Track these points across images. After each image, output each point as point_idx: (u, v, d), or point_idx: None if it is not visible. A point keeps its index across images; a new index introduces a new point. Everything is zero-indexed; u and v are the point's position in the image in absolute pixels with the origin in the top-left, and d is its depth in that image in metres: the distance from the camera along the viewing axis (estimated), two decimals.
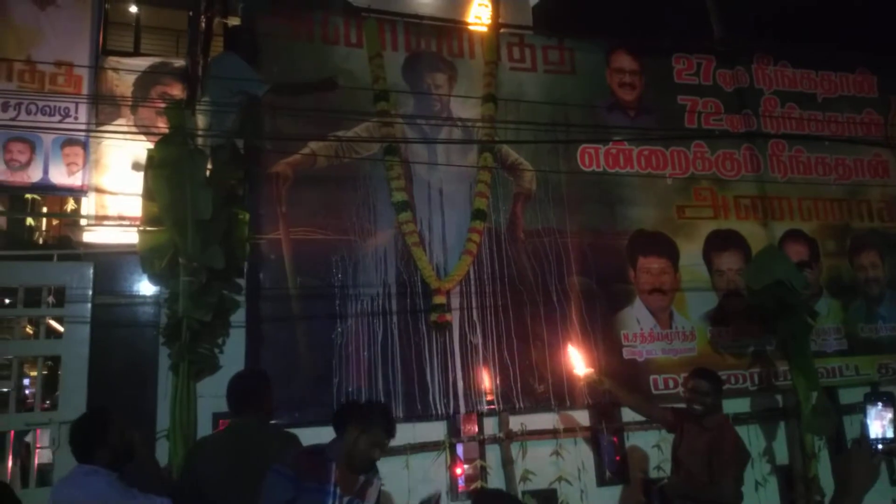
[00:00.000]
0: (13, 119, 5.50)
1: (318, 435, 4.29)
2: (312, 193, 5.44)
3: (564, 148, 6.22)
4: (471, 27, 6.92)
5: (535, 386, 5.51)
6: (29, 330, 5.73)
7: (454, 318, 5.48)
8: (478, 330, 5.54)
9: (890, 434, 1.85)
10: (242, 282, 4.95)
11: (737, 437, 4.16)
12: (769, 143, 6.89)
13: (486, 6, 8.51)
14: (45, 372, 5.19)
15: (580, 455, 5.48)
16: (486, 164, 5.88)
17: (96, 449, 3.04)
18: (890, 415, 1.86)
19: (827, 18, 7.47)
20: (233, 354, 4.65)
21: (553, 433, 5.39)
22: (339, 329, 5.16)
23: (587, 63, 6.66)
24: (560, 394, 5.54)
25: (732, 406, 5.97)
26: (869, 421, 1.89)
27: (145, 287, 5.03)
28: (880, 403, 1.87)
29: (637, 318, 6.02)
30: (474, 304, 5.61)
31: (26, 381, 5.99)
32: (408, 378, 5.22)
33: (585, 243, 6.04)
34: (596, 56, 6.72)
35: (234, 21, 6.38)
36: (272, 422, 3.87)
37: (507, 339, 5.60)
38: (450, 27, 6.61)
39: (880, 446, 1.85)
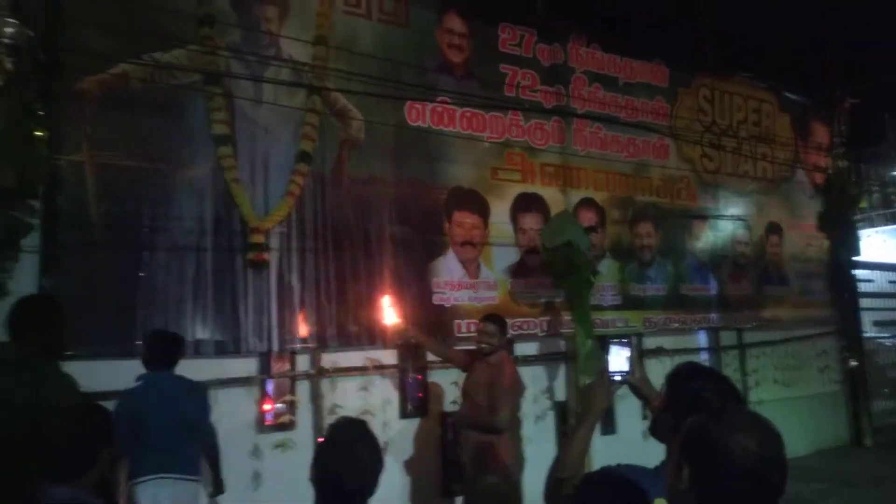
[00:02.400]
0: None
1: (118, 368, 4.21)
2: (122, 117, 5.09)
3: (393, 101, 6.38)
4: None
5: (348, 326, 5.75)
6: None
7: (272, 258, 5.50)
8: (295, 271, 5.62)
9: (625, 368, 2.34)
10: (37, 204, 4.55)
11: (514, 371, 4.75)
12: (574, 119, 7.62)
13: None
14: None
15: (386, 391, 5.86)
16: (314, 107, 5.89)
17: None
18: (626, 353, 2.36)
19: (640, 9, 8.34)
20: (24, 282, 4.31)
21: (362, 370, 5.69)
22: (146, 261, 4.96)
23: (421, 19, 6.82)
24: (371, 334, 5.84)
25: (523, 349, 6.72)
26: (610, 357, 2.37)
27: None
28: (619, 346, 2.37)
29: (448, 268, 6.47)
30: (293, 246, 5.66)
31: None
32: (219, 315, 5.18)
33: (406, 194, 6.31)
34: (429, 13, 6.90)
35: None
36: (66, 354, 3.71)
37: (324, 281, 5.75)
38: None
39: (618, 378, 2.33)
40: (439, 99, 6.69)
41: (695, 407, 1.74)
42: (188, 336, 4.86)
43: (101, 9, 5.04)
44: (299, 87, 5.89)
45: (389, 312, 5.52)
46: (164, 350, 4.13)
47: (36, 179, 4.57)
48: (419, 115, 6.56)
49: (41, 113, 4.70)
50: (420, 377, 6.02)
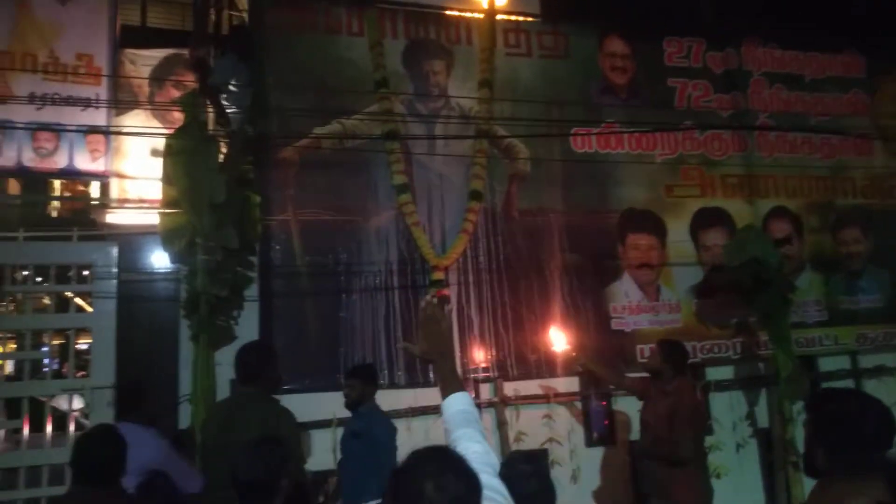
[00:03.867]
0: (38, 109, 5.88)
1: (324, 400, 4.77)
2: (318, 177, 5.82)
3: (558, 130, 6.52)
4: (468, 15, 7.17)
5: (527, 355, 5.91)
6: (46, 301, 6.06)
7: (452, 292, 5.87)
8: (474, 304, 5.94)
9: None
10: (255, 259, 5.34)
11: (694, 398, 4.55)
12: (756, 124, 7.16)
13: None
14: (62, 342, 5.61)
15: (570, 419, 5.90)
16: (482, 147, 6.22)
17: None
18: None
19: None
20: (247, 326, 5.06)
21: (545, 398, 5.80)
22: (345, 303, 5.57)
23: (581, 47, 6.94)
24: (551, 362, 5.94)
25: (716, 374, 6.38)
26: None
27: (167, 265, 5.42)
28: None
29: (625, 292, 6.39)
30: (471, 280, 5.99)
31: (44, 349, 6.38)
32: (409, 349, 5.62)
33: (577, 221, 6.38)
34: (589, 40, 6.99)
35: (240, 6, 6.72)
36: (283, 389, 4.29)
37: (501, 312, 5.99)
38: (448, 15, 6.89)
39: None
40: (605, 123, 6.70)
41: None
42: (384, 369, 5.35)
43: (294, 87, 5.83)
44: (468, 134, 6.26)
45: (566, 340, 5.59)
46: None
47: (253, 238, 5.36)
48: (585, 141, 6.62)
49: (253, 180, 5.53)
50: (604, 404, 5.97)
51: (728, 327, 6.58)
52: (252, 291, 5.24)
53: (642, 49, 7.09)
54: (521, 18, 7.07)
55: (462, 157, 6.19)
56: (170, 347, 5.19)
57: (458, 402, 2.06)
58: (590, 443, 5.90)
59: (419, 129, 6.27)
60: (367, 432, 4.14)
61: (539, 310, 6.06)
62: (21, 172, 5.93)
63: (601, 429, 5.94)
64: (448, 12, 7.01)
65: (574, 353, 5.53)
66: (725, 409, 6.26)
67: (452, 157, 6.17)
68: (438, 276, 5.78)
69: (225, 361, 4.79)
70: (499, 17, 6.82)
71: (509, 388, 5.77)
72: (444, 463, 1.56)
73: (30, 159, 5.81)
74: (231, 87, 5.49)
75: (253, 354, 3.94)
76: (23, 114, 5.69)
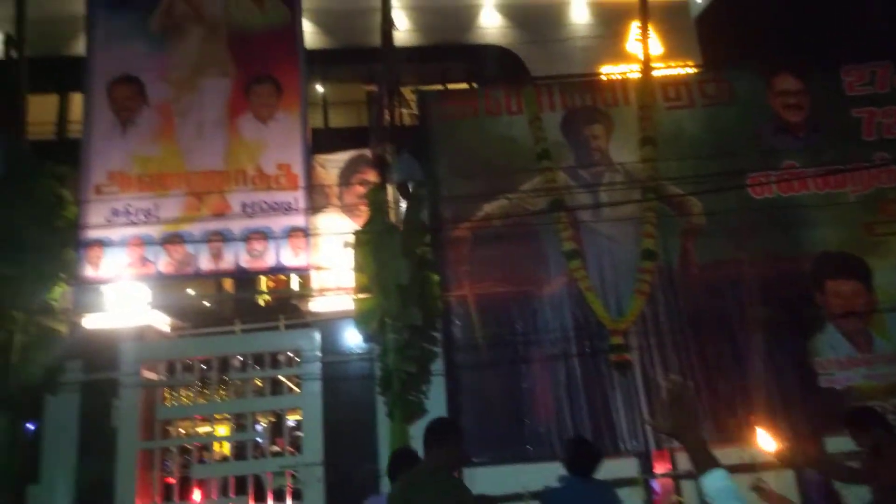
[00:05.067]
0: (249, 217, 6.82)
1: (513, 472, 4.83)
2: (490, 252, 6.09)
3: (732, 180, 6.25)
4: (624, 76, 7.27)
5: (725, 419, 5.56)
6: (259, 384, 6.85)
7: (634, 356, 5.74)
8: (659, 366, 5.75)
9: None
10: (438, 335, 5.67)
11: None
12: None
13: (641, 41, 8.80)
14: (273, 420, 6.26)
15: (784, 489, 5.37)
16: (651, 205, 6.15)
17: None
18: None
19: None
20: (436, 400, 5.35)
21: (750, 467, 5.37)
22: (525, 373, 5.68)
23: (747, 90, 6.70)
24: (752, 427, 5.51)
25: None
26: None
27: (361, 345, 5.93)
28: None
29: (831, 344, 5.83)
30: (653, 342, 5.83)
31: (259, 428, 7.13)
32: (594, 417, 5.57)
33: (764, 271, 6.00)
34: (756, 82, 6.73)
35: (410, 103, 7.39)
36: (471, 462, 4.42)
37: (690, 374, 5.72)
38: (603, 80, 7.04)
39: None
40: (784, 165, 6.33)
41: None
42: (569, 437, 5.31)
43: (462, 170, 6.23)
44: (634, 197, 6.22)
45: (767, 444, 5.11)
46: (588, 458, 4.42)
47: (435, 315, 5.72)
48: (764, 186, 6.28)
49: (431, 261, 5.94)
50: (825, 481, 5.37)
51: None
52: (437, 366, 5.54)
53: (817, 82, 6.67)
54: (679, 71, 7.03)
55: (631, 219, 6.15)
56: (368, 423, 5.61)
57: (719, 479, 2.08)
58: None
59: (584, 195, 6.36)
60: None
61: (733, 370, 5.72)
62: (239, 273, 6.87)
63: (821, 501, 5.34)
64: (603, 76, 7.18)
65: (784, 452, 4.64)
66: None
67: (620, 219, 6.15)
68: (617, 340, 5.71)
69: (419, 435, 5.09)
70: (656, 72, 6.82)
71: None
72: None
73: (245, 261, 6.72)
74: (409, 184, 6.01)
75: (439, 427, 4.10)
76: (237, 223, 6.64)
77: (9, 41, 6.48)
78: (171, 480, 6.19)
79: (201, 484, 6.23)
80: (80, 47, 7.64)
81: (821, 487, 5.37)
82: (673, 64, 7.31)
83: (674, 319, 5.89)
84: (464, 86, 10.21)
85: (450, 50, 11.29)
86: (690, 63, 7.28)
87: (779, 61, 6.81)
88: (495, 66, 7.98)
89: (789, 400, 5.52)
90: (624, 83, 6.82)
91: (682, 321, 5.89)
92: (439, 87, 10.80)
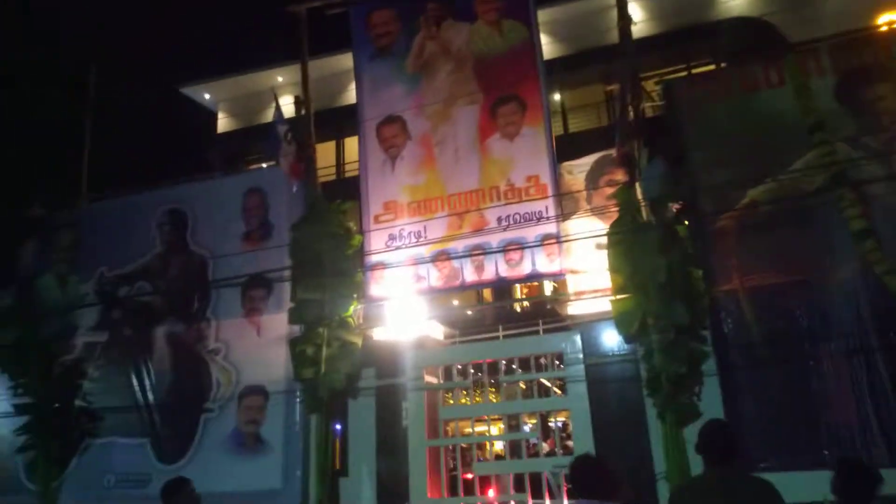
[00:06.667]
0: (505, 229, 7.15)
1: (805, 479, 4.36)
2: (761, 240, 5.61)
3: None
4: None
5: None
6: (522, 386, 7.08)
7: None
8: None
9: None
10: (707, 333, 5.36)
11: None
12: None
13: None
14: (541, 422, 6.41)
15: None
16: None
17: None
18: None
19: None
20: (710, 402, 5.05)
21: None
22: (815, 371, 5.10)
23: None
24: None
25: None
26: None
27: (624, 347, 5.86)
28: None
29: None
30: None
31: (527, 428, 7.33)
32: None
33: None
34: None
35: (653, 95, 7.13)
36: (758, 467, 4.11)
37: None
38: (885, 31, 6.10)
39: None
40: None
41: None
42: (876, 443, 4.65)
43: (721, 155, 5.84)
44: None
45: None
46: (865, 488, 3.82)
47: (702, 312, 5.41)
48: None
49: (693, 255, 5.63)
50: None
51: None
52: (709, 366, 5.24)
53: None
54: None
55: None
56: (638, 425, 5.51)
57: None
58: None
59: (873, 166, 5.54)
60: None
61: None
62: (499, 282, 7.24)
63: None
64: (882, 28, 6.23)
65: None
66: None
67: None
68: None
69: (693, 440, 4.86)
70: None
71: None
72: None
73: (504, 270, 7.06)
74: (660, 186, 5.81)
75: (721, 433, 3.88)
76: (495, 236, 7.02)
77: (297, 102, 7.72)
78: (468, 476, 6.70)
79: (482, 481, 6.65)
80: (350, 97, 8.79)
81: None
82: None
83: None
84: (711, 68, 9.52)
85: (691, 31, 10.56)
86: None
87: None
88: (745, 39, 7.29)
89: None
90: None
91: None
92: (683, 73, 10.24)
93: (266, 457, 6.77)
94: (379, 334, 6.97)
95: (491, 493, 6.70)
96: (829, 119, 5.68)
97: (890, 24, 6.04)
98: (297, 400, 6.57)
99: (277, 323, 6.94)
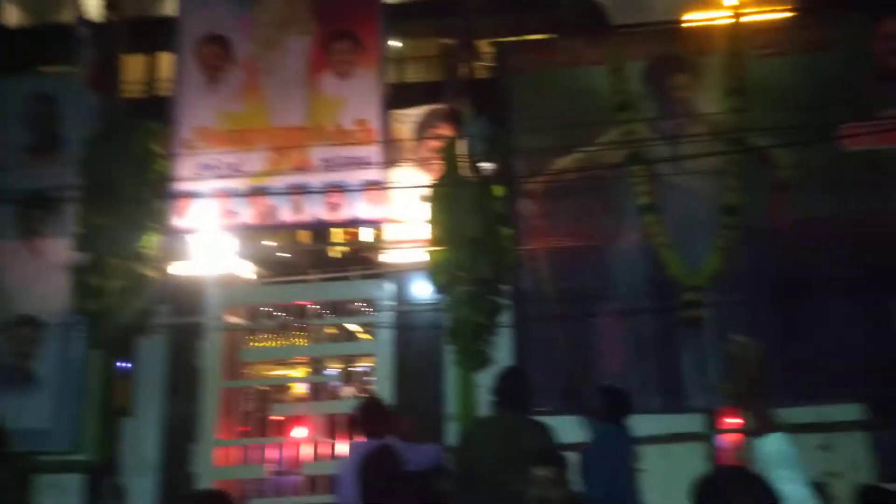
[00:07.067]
0: (328, 171, 7.00)
1: (577, 422, 4.85)
2: (564, 206, 6.03)
3: (826, 130, 5.87)
4: (712, 22, 6.86)
5: (801, 379, 5.34)
6: (332, 331, 7.09)
7: (709, 314, 5.59)
8: (735, 325, 5.56)
9: None
10: (508, 288, 5.71)
11: None
12: None
13: None
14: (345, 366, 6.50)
15: (855, 451, 5.17)
16: (734, 158, 5.87)
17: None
18: None
19: None
20: (503, 351, 5.43)
21: (820, 427, 5.18)
22: (594, 328, 5.64)
23: (849, 35, 6.20)
24: (829, 387, 5.30)
25: None
26: None
27: (432, 297, 6.04)
28: None
29: None
30: (730, 300, 5.64)
31: (332, 372, 7.40)
32: (662, 374, 5.49)
33: (854, 229, 5.65)
34: (859, 25, 6.22)
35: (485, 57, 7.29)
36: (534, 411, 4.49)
37: (768, 333, 5.51)
38: (690, 26, 6.71)
39: None
40: (883, 115, 5.86)
41: None
42: (637, 393, 5.28)
43: (539, 123, 6.14)
44: (717, 149, 5.94)
45: (846, 365, 4.95)
46: (623, 407, 4.47)
47: (506, 268, 5.75)
48: (859, 138, 5.85)
49: (505, 215, 5.93)
50: None
51: None
52: (506, 319, 5.60)
53: None
54: (774, 16, 6.59)
55: (713, 172, 5.90)
56: (436, 370, 5.77)
57: (773, 443, 2.04)
58: (884, 478, 5.09)
59: (664, 148, 6.14)
60: None
61: (814, 330, 5.47)
62: (317, 225, 7.10)
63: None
64: (689, 23, 6.84)
65: None
66: None
67: (701, 173, 5.91)
68: (691, 297, 5.56)
69: (484, 384, 5.21)
70: (747, 18, 6.43)
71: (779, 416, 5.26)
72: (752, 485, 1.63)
73: (323, 213, 6.91)
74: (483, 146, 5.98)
75: (514, 381, 4.21)
76: (317, 177, 6.83)
77: (106, 4, 6.86)
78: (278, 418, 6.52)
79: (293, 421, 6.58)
80: (169, 8, 7.98)
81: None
82: (766, 9, 6.83)
83: (755, 277, 5.67)
84: (542, 37, 9.92)
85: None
86: (786, 7, 6.78)
87: (885, 2, 6.25)
88: (575, 15, 7.71)
89: (871, 361, 5.22)
90: (712, 31, 6.46)
91: (764, 279, 5.65)
92: (516, 38, 10.58)
93: (37, 393, 6.14)
94: (180, 269, 6.54)
95: (299, 432, 6.69)
96: (635, 101, 6.19)
97: (696, 21, 6.59)
98: (78, 335, 5.99)
99: (60, 248, 6.21)
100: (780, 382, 5.34)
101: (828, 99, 5.84)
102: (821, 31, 6.22)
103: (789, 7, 6.88)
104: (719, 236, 5.74)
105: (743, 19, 6.39)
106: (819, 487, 4.95)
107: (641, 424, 4.72)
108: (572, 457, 3.87)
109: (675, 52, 6.38)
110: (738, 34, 6.26)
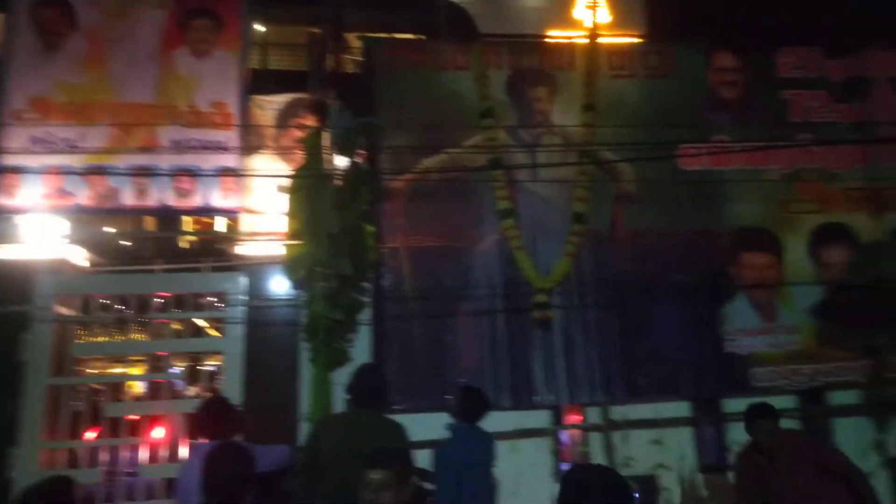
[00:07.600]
0: (179, 154, 6.56)
1: (432, 420, 4.93)
2: (426, 206, 6.10)
3: (665, 150, 6.41)
4: (571, 40, 7.25)
5: (637, 379, 5.83)
6: (178, 327, 6.68)
7: (557, 315, 5.91)
8: (580, 326, 5.94)
9: None
10: (369, 286, 5.67)
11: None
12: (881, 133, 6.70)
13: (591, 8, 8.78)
14: (191, 364, 6.14)
15: (682, 445, 5.73)
16: (585, 170, 6.26)
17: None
18: None
19: None
20: (361, 348, 5.38)
21: (654, 423, 5.68)
22: (451, 326, 5.77)
23: (688, 64, 6.84)
24: (662, 386, 5.82)
25: (841, 398, 5.98)
26: None
27: (288, 292, 5.87)
28: None
29: (740, 313, 6.15)
30: (576, 303, 6.00)
31: (175, 370, 6.93)
32: (514, 371, 5.73)
33: (686, 241, 6.24)
34: (697, 57, 6.87)
35: (354, 50, 7.20)
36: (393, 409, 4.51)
37: (609, 335, 5.95)
38: (551, 42, 7.05)
39: None
40: (715, 139, 6.54)
41: None
42: (489, 391, 5.46)
43: (405, 122, 6.18)
44: (571, 161, 6.31)
45: (674, 364, 5.48)
46: (480, 407, 4.56)
47: (367, 266, 5.71)
48: (694, 158, 6.47)
49: (368, 212, 5.89)
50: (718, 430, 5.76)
51: (853, 350, 6.14)
52: (366, 316, 5.56)
53: (753, 62, 6.87)
54: (625, 40, 7.10)
55: (565, 181, 6.24)
56: (290, 368, 5.60)
57: None
58: (704, 470, 5.70)
59: (523, 156, 6.41)
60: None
61: (649, 333, 5.97)
62: (163, 211, 6.63)
63: (715, 455, 5.72)
64: (551, 39, 7.17)
65: None
66: (851, 435, 5.83)
67: (555, 181, 6.23)
68: (542, 298, 5.85)
69: (341, 382, 5.12)
70: (603, 39, 6.87)
71: (618, 413, 5.71)
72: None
73: (171, 199, 6.47)
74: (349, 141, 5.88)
75: (370, 378, 4.16)
76: (165, 159, 6.39)
77: None
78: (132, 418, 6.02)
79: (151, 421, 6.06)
80: None
81: (715, 440, 5.76)
82: (619, 33, 7.35)
83: (599, 282, 6.07)
84: (411, 37, 10.00)
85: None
86: (636, 33, 7.34)
87: (719, 38, 6.95)
88: (444, 19, 7.85)
89: (696, 362, 5.81)
90: (571, 48, 6.84)
91: (606, 284, 6.08)
92: (386, 35, 10.56)
93: None
94: (4, 253, 5.83)
95: (157, 433, 6.17)
96: (498, 108, 6.40)
97: (558, 38, 6.94)
98: None
99: None
100: (618, 381, 5.81)
101: (669, 121, 6.37)
102: (664, 58, 6.80)
103: (637, 34, 7.47)
104: (568, 242, 6.08)
105: (599, 41, 6.81)
106: (650, 480, 5.48)
107: (493, 421, 4.90)
108: (427, 456, 3.93)
109: (537, 65, 6.67)
110: (593, 54, 6.67)
